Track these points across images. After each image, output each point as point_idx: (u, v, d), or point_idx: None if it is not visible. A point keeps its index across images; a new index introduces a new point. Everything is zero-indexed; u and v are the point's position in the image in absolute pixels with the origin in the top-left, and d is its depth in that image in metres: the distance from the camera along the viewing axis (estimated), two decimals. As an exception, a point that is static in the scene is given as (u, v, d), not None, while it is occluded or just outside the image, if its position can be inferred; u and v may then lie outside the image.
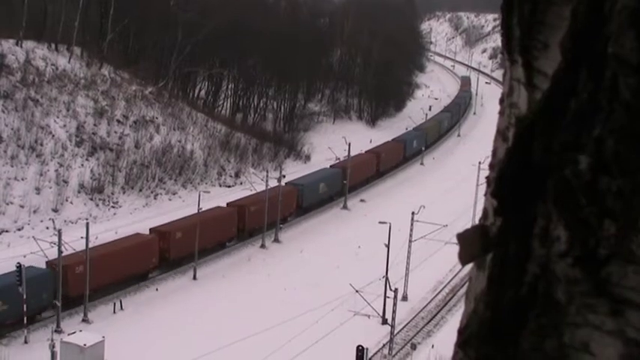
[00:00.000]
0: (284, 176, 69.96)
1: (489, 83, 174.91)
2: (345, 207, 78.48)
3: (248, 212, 64.16)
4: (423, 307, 55.15)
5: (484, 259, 1.07)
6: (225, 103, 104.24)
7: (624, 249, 0.91)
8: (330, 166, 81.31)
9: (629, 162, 0.90)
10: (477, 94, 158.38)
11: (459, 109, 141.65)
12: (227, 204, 65.39)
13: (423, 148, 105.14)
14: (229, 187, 78.61)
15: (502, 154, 1.05)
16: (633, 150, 0.90)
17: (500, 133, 1.09)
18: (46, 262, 47.45)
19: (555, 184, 0.96)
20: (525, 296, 0.99)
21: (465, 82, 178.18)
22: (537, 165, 0.99)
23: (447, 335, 46.86)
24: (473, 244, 1.07)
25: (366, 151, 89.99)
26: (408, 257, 55.19)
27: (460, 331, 1.08)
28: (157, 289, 54.50)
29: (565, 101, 0.96)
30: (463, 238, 1.09)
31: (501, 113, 1.10)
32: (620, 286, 0.91)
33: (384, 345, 47.52)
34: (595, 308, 0.92)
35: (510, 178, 1.03)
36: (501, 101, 1.11)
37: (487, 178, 1.09)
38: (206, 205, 61.22)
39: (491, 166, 1.09)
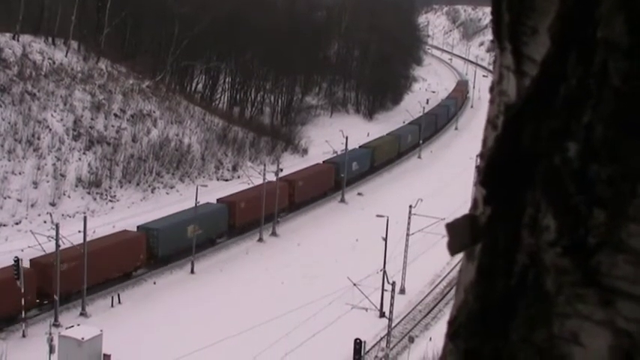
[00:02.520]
0: (281, 170, 69.95)
1: (487, 76, 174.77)
2: (342, 200, 78.54)
3: (54, 273, 45.69)
4: (421, 300, 55.26)
5: (473, 250, 1.05)
6: (222, 97, 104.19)
7: (614, 238, 0.89)
8: (217, 200, 64.14)
9: (619, 149, 0.88)
10: (474, 87, 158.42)
11: (434, 120, 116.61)
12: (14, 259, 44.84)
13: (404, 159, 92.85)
14: (227, 180, 78.64)
15: (491, 143, 1.04)
16: (623, 136, 0.88)
17: (490, 122, 1.07)
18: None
19: (544, 171, 0.94)
20: (515, 287, 0.97)
21: (460, 86, 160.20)
22: (526, 153, 0.97)
23: (444, 328, 46.33)
24: (462, 233, 1.06)
25: (280, 178, 69.33)
26: (406, 250, 55.27)
27: (450, 323, 1.08)
28: (154, 283, 54.56)
29: (554, 88, 0.94)
30: (452, 227, 1.07)
31: (491, 102, 1.08)
32: (610, 275, 0.89)
33: (381, 338, 47.61)
34: (584, 298, 0.91)
35: (499, 167, 1.01)
36: (491, 89, 1.10)
37: (477, 167, 1.07)
38: (204, 200, 61.26)
39: (481, 156, 1.07)
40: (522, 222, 0.97)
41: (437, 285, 57.72)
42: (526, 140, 0.97)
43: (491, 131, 1.05)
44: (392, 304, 46.74)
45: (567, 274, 0.92)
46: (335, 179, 78.76)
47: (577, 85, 0.92)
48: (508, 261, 0.98)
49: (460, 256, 1.09)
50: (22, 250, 47.52)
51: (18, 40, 74.43)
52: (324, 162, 77.69)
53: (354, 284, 48.87)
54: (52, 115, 69.90)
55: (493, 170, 1.02)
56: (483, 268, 1.02)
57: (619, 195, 0.89)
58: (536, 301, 0.94)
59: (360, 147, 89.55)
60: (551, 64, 0.94)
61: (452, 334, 1.06)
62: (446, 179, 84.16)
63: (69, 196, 64.42)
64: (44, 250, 47.06)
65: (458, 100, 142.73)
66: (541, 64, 0.96)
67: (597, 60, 0.90)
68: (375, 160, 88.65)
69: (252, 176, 69.40)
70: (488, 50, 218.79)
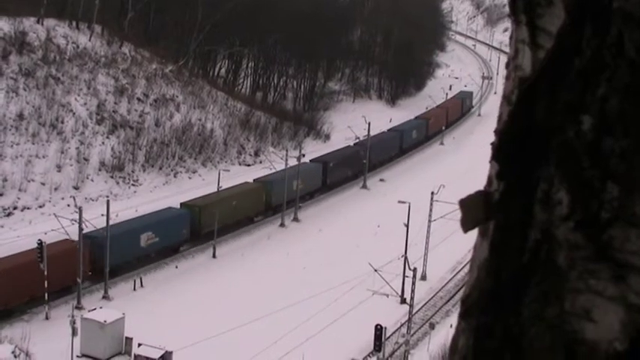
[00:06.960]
0: (303, 155, 69.83)
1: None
2: (364, 186, 78.40)
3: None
4: (442, 287, 55.16)
5: (487, 227, 1.03)
6: (245, 82, 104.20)
7: (627, 212, 0.88)
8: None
9: (634, 121, 0.87)
10: (497, 74, 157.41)
11: (356, 159, 76.91)
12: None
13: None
14: (249, 165, 78.73)
15: (505, 118, 1.03)
16: (637, 109, 0.88)
17: (506, 98, 1.05)
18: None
19: (558, 145, 0.93)
20: (527, 263, 0.96)
21: (451, 102, 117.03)
22: (540, 126, 0.96)
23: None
24: (475, 210, 1.04)
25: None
26: (427, 237, 55.14)
27: (463, 301, 1.07)
28: (176, 267, 54.79)
29: (569, 60, 0.93)
30: (465, 203, 1.05)
31: (507, 78, 1.07)
32: (622, 250, 0.88)
33: (402, 324, 47.59)
34: (596, 274, 0.90)
35: (512, 141, 1.00)
36: (507, 65, 1.08)
37: (492, 144, 1.06)
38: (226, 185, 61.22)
39: (496, 132, 1.06)
40: (535, 197, 0.96)
41: (458, 272, 57.51)
42: (540, 114, 0.96)
43: (506, 107, 1.04)
44: (413, 291, 46.69)
45: (579, 249, 0.91)
46: (93, 265, 47.81)
47: (592, 57, 0.90)
48: (521, 237, 0.97)
49: None
50: (46, 234, 47.85)
51: (42, 24, 74.68)
52: (84, 234, 46.56)
53: (376, 270, 48.83)
54: (75, 99, 70.20)
55: (506, 145, 1.01)
56: (496, 245, 1.00)
57: (633, 169, 0.87)
58: (548, 277, 0.93)
59: (182, 204, 59.18)
60: (566, 36, 0.93)
61: (464, 312, 1.05)
62: (468, 165, 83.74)
63: (92, 180, 64.74)
64: (67, 234, 47.37)
65: (430, 122, 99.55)
66: (556, 36, 0.95)
67: (613, 31, 0.88)
68: (201, 227, 57.75)
69: (274, 161, 69.42)
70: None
